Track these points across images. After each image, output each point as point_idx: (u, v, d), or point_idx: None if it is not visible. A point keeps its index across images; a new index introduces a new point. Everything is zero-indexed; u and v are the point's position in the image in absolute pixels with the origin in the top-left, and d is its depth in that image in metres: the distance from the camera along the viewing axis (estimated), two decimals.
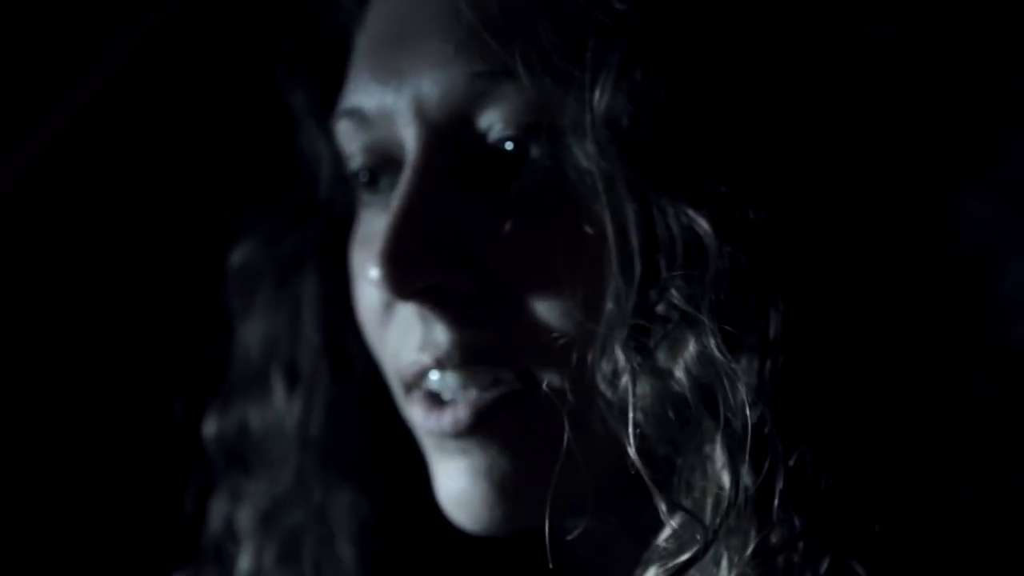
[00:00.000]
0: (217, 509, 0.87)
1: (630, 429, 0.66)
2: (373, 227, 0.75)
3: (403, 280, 0.69)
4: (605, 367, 0.68)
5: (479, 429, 0.71)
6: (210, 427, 0.87)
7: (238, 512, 0.86)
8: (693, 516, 0.65)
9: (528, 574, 0.76)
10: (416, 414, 0.73)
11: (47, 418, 1.06)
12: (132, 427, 1.03)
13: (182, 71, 1.08)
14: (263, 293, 0.85)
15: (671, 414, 0.67)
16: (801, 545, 0.64)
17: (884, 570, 0.65)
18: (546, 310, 0.69)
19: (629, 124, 0.66)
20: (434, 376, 0.72)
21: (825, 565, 0.64)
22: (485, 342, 0.70)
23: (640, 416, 0.66)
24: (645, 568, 0.67)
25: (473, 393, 0.71)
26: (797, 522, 0.64)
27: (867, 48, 0.70)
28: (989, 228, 1.25)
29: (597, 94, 0.66)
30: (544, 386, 0.69)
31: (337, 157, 0.80)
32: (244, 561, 0.85)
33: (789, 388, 0.65)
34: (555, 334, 0.69)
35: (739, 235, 0.65)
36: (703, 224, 0.65)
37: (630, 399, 0.66)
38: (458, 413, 0.71)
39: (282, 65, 0.84)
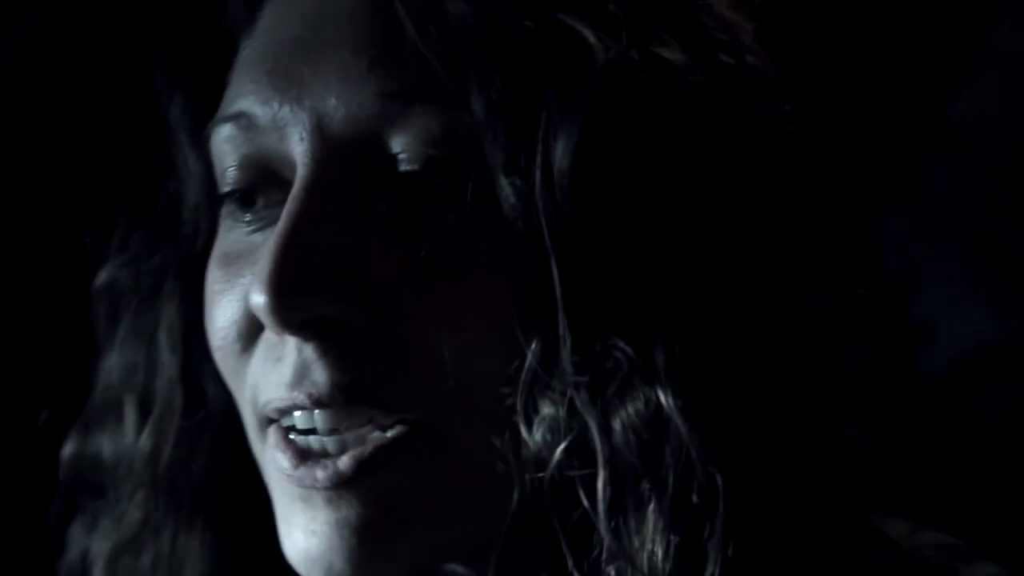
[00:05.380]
0: (74, 537, 0.81)
1: (556, 489, 0.63)
2: (241, 246, 0.69)
3: (291, 309, 0.63)
4: (528, 419, 0.64)
5: (357, 481, 0.64)
6: (67, 452, 0.80)
7: (92, 545, 0.80)
8: None
9: None
10: (280, 460, 0.67)
11: None
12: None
13: (49, 76, 1.04)
14: (124, 317, 0.79)
15: (604, 472, 0.62)
16: None
17: None
18: (448, 354, 0.64)
19: (586, 177, 0.63)
20: (300, 415, 0.66)
21: None
22: (369, 384, 0.64)
23: (565, 472, 0.63)
24: None
25: (348, 439, 0.65)
26: None
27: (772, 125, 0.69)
28: (908, 254, 1.27)
29: (560, 146, 0.63)
30: (434, 435, 0.65)
31: (208, 176, 0.73)
32: None
33: (726, 443, 0.62)
34: (453, 380, 0.64)
35: (679, 294, 0.63)
36: (648, 283, 0.63)
37: (555, 456, 0.63)
38: (338, 466, 0.65)
39: (159, 70, 0.77)
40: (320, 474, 0.65)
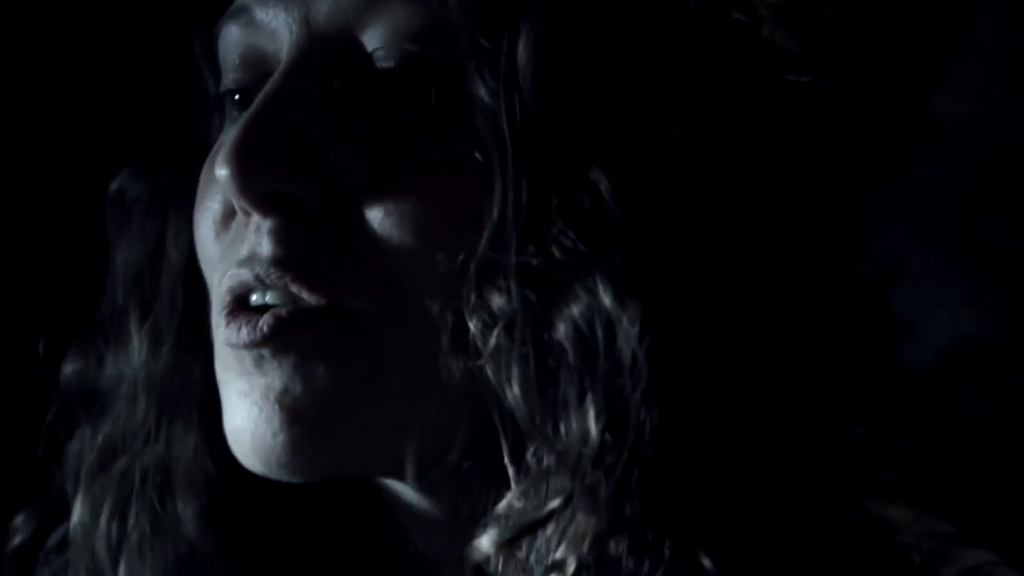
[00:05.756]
0: (72, 453, 0.80)
1: (494, 378, 0.64)
2: None
3: (251, 178, 0.64)
4: (473, 308, 0.64)
5: (277, 341, 0.66)
6: (69, 365, 0.81)
7: (84, 454, 0.79)
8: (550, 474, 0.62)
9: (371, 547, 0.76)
10: (217, 320, 0.68)
11: None
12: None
13: None
14: (134, 224, 0.80)
15: (546, 363, 0.63)
16: (649, 530, 0.62)
17: (733, 567, 0.63)
18: (395, 249, 0.65)
19: (551, 76, 0.64)
20: (254, 296, 0.67)
21: (669, 552, 0.62)
22: (301, 259, 0.65)
23: (502, 364, 0.64)
24: (484, 530, 0.64)
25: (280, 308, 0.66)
26: (654, 500, 0.62)
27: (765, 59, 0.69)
28: (891, 249, 1.27)
29: (522, 43, 0.64)
30: (359, 321, 0.66)
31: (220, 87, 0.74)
32: (77, 511, 0.78)
33: (672, 354, 0.63)
34: (396, 272, 0.65)
35: (638, 196, 0.64)
36: (605, 181, 0.63)
37: (491, 342, 0.63)
38: (258, 322, 0.66)
39: None
40: (243, 329, 0.66)
